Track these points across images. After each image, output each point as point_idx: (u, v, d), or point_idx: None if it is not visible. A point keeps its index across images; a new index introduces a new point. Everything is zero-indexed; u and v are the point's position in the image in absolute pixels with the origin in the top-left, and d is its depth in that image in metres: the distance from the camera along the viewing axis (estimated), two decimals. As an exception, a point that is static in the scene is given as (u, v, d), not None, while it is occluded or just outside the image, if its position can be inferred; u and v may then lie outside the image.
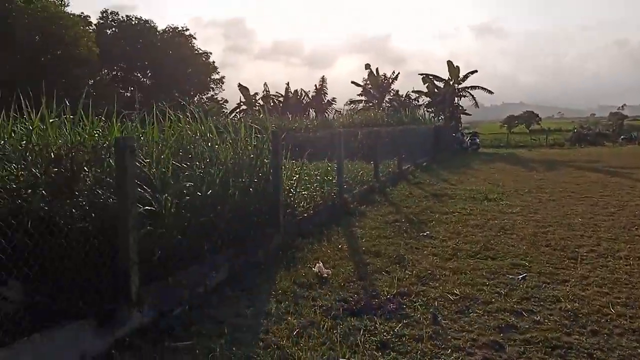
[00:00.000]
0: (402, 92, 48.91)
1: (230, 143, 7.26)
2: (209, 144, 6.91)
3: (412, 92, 45.80)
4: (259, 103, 49.66)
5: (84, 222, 4.51)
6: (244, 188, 6.98)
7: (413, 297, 5.26)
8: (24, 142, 5.56)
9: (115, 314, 4.41)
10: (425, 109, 41.83)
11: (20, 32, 34.49)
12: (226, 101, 57.99)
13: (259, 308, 4.99)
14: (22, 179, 4.55)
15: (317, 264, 6.11)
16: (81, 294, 4.31)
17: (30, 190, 4.44)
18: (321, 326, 4.54)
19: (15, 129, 6.17)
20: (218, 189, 6.28)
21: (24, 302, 3.94)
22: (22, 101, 6.24)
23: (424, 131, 24.72)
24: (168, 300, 5.03)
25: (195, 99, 52.34)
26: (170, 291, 5.09)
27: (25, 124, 6.18)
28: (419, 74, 42.71)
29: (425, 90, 42.85)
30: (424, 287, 5.58)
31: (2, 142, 5.72)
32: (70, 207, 4.37)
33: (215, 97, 58.76)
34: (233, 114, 44.16)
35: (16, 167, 4.88)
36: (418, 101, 45.77)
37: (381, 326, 4.53)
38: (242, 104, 50.63)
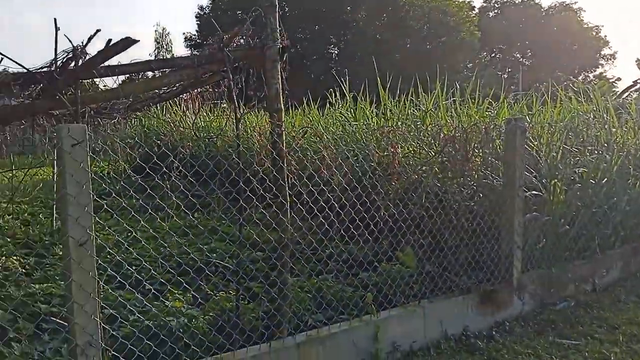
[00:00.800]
0: None
1: (631, 126, 6.28)
2: (605, 127, 6.12)
3: None
4: (664, 79, 41.87)
5: (470, 201, 4.63)
6: (647, 178, 5.93)
7: None
8: (419, 123, 6.10)
9: (496, 296, 4.40)
10: None
11: (410, 23, 38.39)
12: (618, 79, 51.15)
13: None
14: (418, 157, 4.99)
15: None
16: (464, 271, 4.47)
17: (425, 168, 4.82)
18: None
19: (409, 112, 6.82)
20: (615, 177, 5.51)
21: (416, 269, 4.33)
22: (418, 85, 6.84)
23: None
24: (550, 293, 4.75)
25: (580, 77, 48.04)
26: (552, 283, 4.78)
27: (418, 107, 6.77)
28: None
29: None
30: None
31: (399, 123, 6.42)
32: (460, 186, 4.53)
33: (604, 74, 52.58)
34: (626, 93, 38.48)
35: (413, 145, 5.39)
36: None
37: None
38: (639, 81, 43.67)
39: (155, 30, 42.88)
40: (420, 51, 36.78)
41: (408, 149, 5.40)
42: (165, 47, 43.51)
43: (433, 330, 4.01)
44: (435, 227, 4.32)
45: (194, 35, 43.24)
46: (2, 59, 2.79)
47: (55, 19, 2.71)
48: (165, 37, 43.29)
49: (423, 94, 6.79)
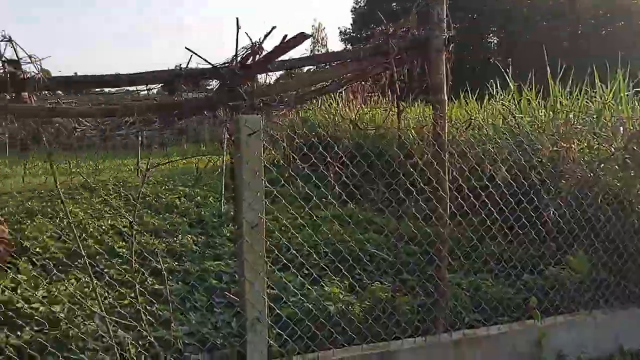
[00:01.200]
0: None
1: None
2: None
3: None
4: None
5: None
6: None
7: None
8: (595, 116, 5.52)
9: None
10: None
11: (582, 7, 34.92)
12: None
13: None
14: (595, 153, 4.52)
15: None
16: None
17: (602, 165, 4.35)
18: None
19: (582, 103, 6.21)
20: None
21: (588, 275, 3.94)
22: (594, 75, 6.21)
23: None
24: None
25: None
26: None
27: (593, 99, 6.14)
28: None
29: None
30: None
31: (571, 115, 5.86)
32: (645, 186, 4.02)
33: None
34: None
35: (587, 140, 4.89)
36: None
37: None
38: None
39: (313, 26, 44.63)
40: (593, 38, 33.35)
41: (582, 144, 4.93)
42: (320, 41, 45.07)
43: (605, 342, 3.65)
44: (613, 230, 3.89)
45: (349, 29, 44.18)
46: (191, 55, 3.10)
47: (237, 18, 2.93)
48: (321, 31, 44.82)
49: (600, 84, 6.14)
